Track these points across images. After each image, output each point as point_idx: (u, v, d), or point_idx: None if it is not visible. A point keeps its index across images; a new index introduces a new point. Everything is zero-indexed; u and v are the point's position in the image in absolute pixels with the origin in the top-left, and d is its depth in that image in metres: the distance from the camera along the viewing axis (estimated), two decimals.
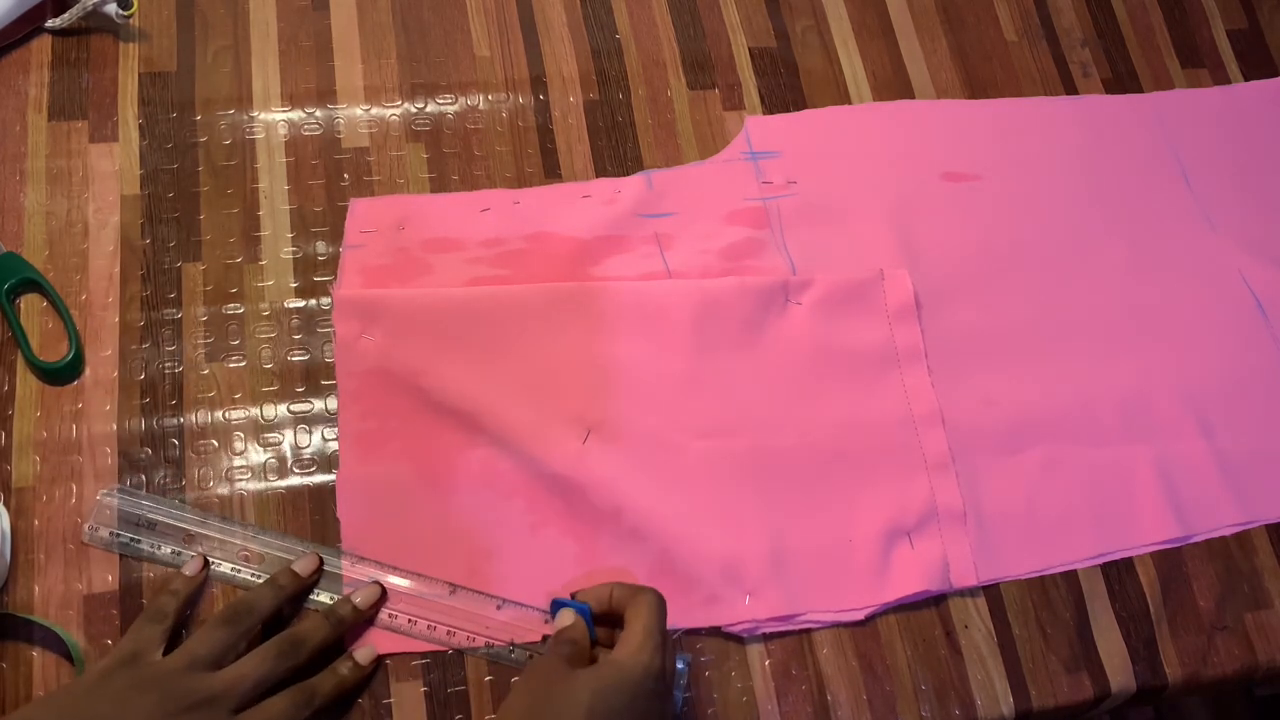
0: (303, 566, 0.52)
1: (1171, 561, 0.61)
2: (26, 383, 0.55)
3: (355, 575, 0.53)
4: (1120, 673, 0.58)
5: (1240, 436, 0.65)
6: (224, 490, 0.54)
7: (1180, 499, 0.62)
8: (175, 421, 0.55)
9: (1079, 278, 0.68)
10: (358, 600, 0.52)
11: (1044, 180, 0.71)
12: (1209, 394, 0.66)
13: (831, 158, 0.68)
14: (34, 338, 0.55)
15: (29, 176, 0.59)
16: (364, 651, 0.52)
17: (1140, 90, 0.75)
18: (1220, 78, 0.77)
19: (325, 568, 0.53)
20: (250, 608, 0.49)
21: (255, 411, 0.56)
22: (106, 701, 0.44)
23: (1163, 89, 0.76)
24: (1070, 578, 0.60)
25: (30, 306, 0.56)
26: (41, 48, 0.61)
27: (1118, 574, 0.61)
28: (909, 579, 0.58)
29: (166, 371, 0.56)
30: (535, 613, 0.54)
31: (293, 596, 0.52)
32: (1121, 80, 0.75)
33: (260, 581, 0.52)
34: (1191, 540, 0.62)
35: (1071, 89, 0.74)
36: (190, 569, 0.51)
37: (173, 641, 0.49)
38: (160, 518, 0.53)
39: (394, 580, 0.53)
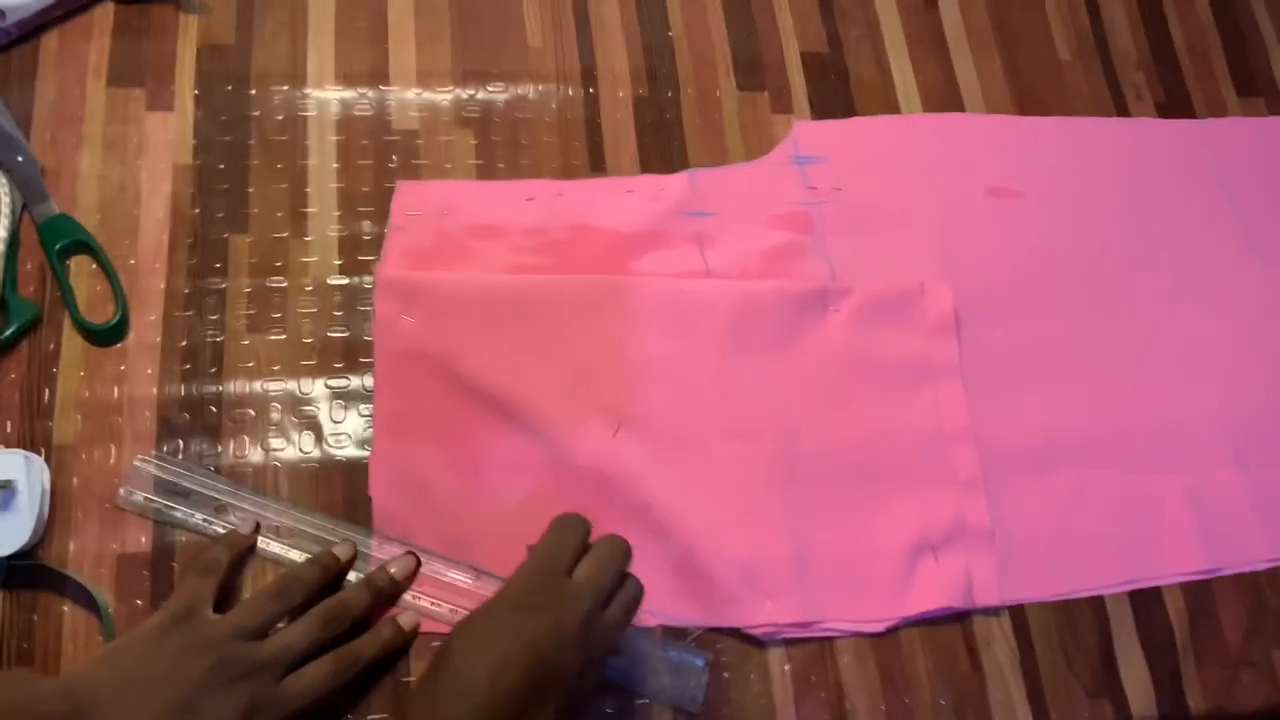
0: (342, 551, 0.53)
1: (1200, 593, 0.61)
2: (72, 342, 0.56)
3: (383, 557, 0.54)
4: (1142, 701, 0.58)
5: (1276, 471, 0.64)
6: (258, 459, 0.55)
7: (1211, 531, 0.62)
8: (214, 389, 0.56)
9: (1120, 301, 0.67)
10: (394, 570, 0.53)
11: (1090, 201, 0.70)
12: (1246, 427, 0.65)
13: (878, 166, 0.68)
14: (82, 299, 0.56)
15: (85, 141, 0.60)
16: (407, 616, 0.52)
17: (1194, 116, 0.74)
18: (1276, 108, 0.76)
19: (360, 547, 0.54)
20: (300, 582, 0.50)
21: (293, 384, 0.57)
22: (164, 661, 0.45)
23: (1217, 116, 0.75)
24: (1096, 603, 0.60)
25: (80, 268, 0.57)
26: (104, 15, 0.62)
27: (1145, 602, 0.60)
28: (931, 594, 0.57)
29: (208, 340, 0.57)
30: None
31: (336, 576, 0.52)
32: (1175, 105, 0.74)
33: (292, 555, 0.53)
34: (1221, 573, 0.61)
35: (1124, 111, 0.73)
36: (246, 528, 0.53)
37: (220, 599, 0.49)
38: (194, 486, 0.54)
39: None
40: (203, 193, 0.60)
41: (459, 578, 0.54)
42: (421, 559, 0.54)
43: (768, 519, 0.58)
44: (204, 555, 0.50)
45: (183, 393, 0.56)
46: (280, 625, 0.49)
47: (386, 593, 0.52)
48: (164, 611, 0.47)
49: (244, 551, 0.52)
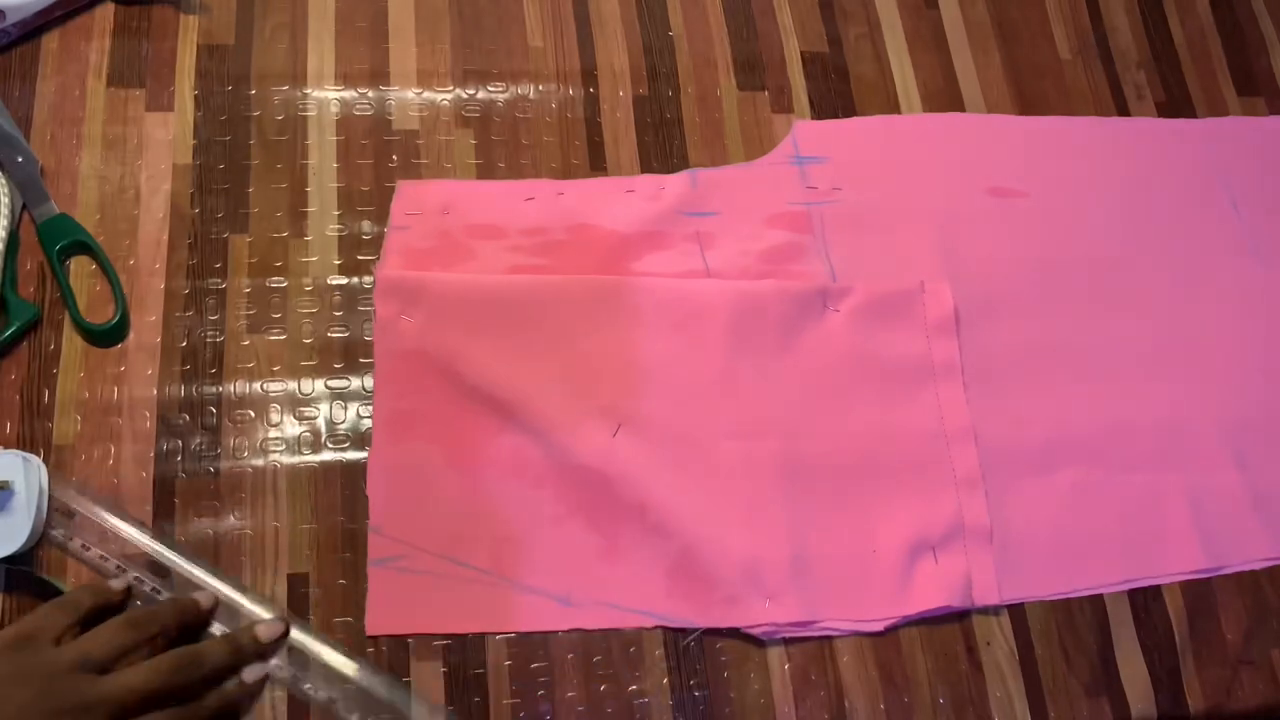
0: (203, 599, 0.50)
1: (1200, 592, 0.61)
2: (72, 343, 0.56)
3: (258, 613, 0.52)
4: (1141, 700, 0.58)
5: (1276, 471, 0.64)
6: (258, 461, 0.55)
7: (1211, 530, 0.62)
8: (214, 390, 0.56)
9: (1121, 301, 0.67)
10: (260, 631, 0.50)
11: (1091, 201, 0.70)
12: (1246, 426, 0.65)
13: (878, 166, 0.68)
14: (82, 299, 0.56)
15: (85, 141, 0.60)
16: (251, 670, 0.50)
17: (1194, 115, 0.74)
18: (1276, 107, 0.76)
19: (230, 603, 0.52)
20: (155, 618, 0.47)
21: (293, 385, 0.57)
22: None
23: (1217, 115, 0.75)
24: (1096, 601, 0.60)
25: (80, 268, 0.57)
26: (105, 15, 0.62)
27: (1144, 601, 0.60)
28: (931, 593, 0.57)
29: (208, 340, 0.57)
30: (555, 600, 0.54)
31: (196, 621, 0.50)
32: (1176, 105, 0.74)
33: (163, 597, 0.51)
34: (1221, 572, 0.61)
35: (1124, 111, 0.73)
36: (118, 584, 0.50)
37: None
38: (81, 510, 0.52)
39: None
40: (202, 192, 0.60)
41: (336, 659, 0.52)
42: (293, 628, 0.52)
43: (767, 519, 0.58)
44: (71, 592, 0.48)
45: (182, 393, 0.56)
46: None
47: (248, 652, 0.50)
48: (3, 634, 0.45)
49: (109, 604, 0.49)
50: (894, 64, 0.71)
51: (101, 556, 0.51)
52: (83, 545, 0.51)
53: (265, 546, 0.54)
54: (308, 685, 0.51)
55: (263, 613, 0.52)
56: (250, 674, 0.50)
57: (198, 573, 0.52)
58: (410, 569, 0.54)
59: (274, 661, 0.51)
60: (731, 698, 0.54)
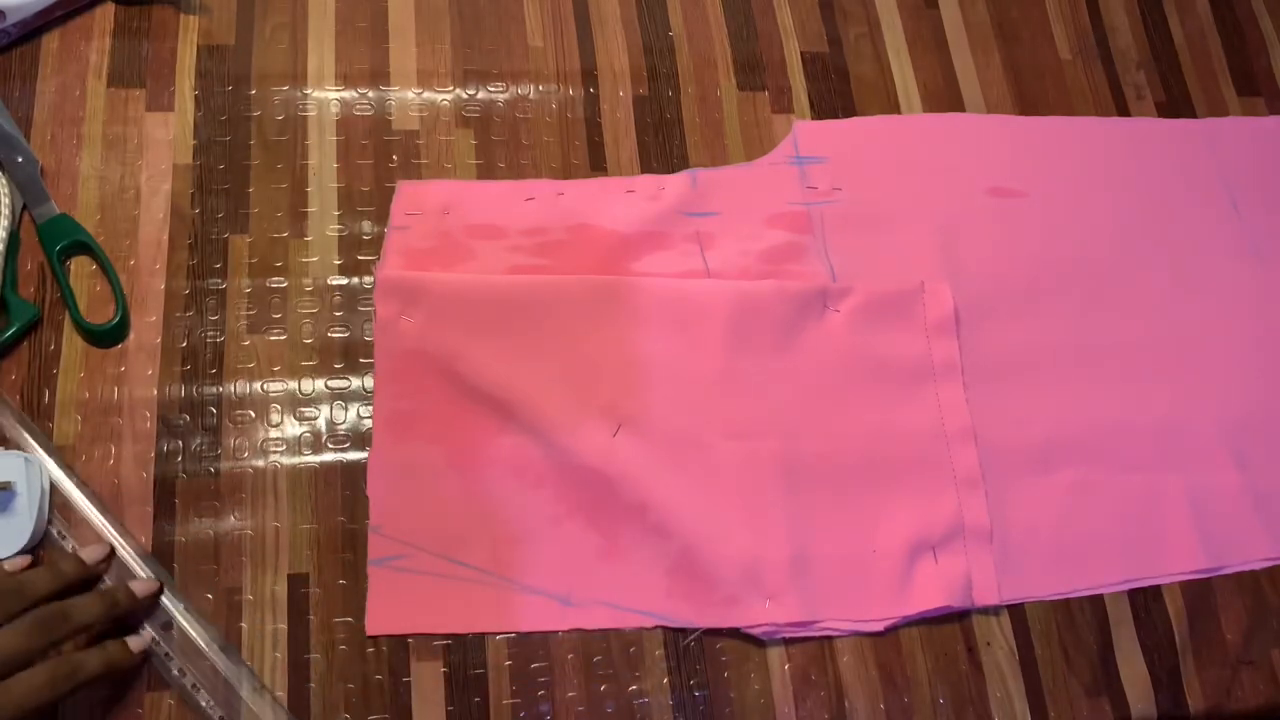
0: (91, 554, 0.50)
1: (1200, 592, 0.61)
2: (72, 343, 0.56)
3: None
4: (1142, 700, 0.58)
5: (1276, 471, 0.64)
6: (258, 462, 0.55)
7: (1211, 529, 0.62)
8: (214, 390, 0.56)
9: (1121, 300, 0.67)
10: (136, 587, 0.50)
11: (1091, 201, 0.70)
12: (1246, 426, 0.65)
13: (878, 166, 0.68)
14: (82, 299, 0.56)
15: (85, 141, 0.60)
16: (137, 639, 0.49)
17: (1194, 115, 0.74)
18: (1276, 107, 0.76)
19: (122, 561, 0.51)
20: (19, 590, 0.45)
21: (293, 385, 0.57)
22: None
23: (1217, 115, 0.75)
24: (1096, 602, 0.60)
25: (80, 269, 0.57)
26: (105, 15, 0.62)
27: (1144, 601, 0.60)
28: (931, 594, 0.57)
29: (208, 340, 0.57)
30: (555, 600, 0.54)
31: (73, 584, 0.48)
32: (1175, 105, 0.74)
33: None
34: (1221, 572, 0.61)
35: (1124, 111, 0.73)
36: (11, 564, 0.49)
37: None
38: (13, 435, 0.51)
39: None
40: (203, 193, 0.60)
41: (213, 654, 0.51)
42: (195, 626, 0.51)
43: (767, 519, 0.58)
44: None
45: (182, 394, 0.56)
46: None
47: (123, 607, 0.48)
48: None
49: None
50: (894, 64, 0.71)
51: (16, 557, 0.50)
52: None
53: (265, 547, 0.54)
54: (175, 667, 0.50)
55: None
56: (135, 642, 0.49)
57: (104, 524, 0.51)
58: (410, 569, 0.54)
59: (150, 634, 0.50)
60: (731, 698, 0.55)
